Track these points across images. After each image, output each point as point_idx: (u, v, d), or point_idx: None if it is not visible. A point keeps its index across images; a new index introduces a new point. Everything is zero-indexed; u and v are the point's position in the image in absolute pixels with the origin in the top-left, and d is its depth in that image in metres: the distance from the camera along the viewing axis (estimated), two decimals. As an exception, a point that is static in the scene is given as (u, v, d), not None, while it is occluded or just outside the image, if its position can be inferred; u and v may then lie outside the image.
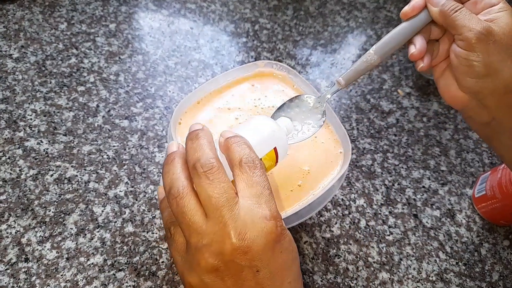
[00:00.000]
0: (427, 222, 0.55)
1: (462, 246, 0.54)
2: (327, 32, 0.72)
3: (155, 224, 0.51)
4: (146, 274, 0.48)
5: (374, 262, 0.52)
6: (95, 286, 0.47)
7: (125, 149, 0.56)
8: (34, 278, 0.46)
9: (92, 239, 0.49)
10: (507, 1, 0.36)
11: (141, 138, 0.57)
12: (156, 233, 0.50)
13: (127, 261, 0.48)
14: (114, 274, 0.48)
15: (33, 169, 0.53)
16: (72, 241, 0.49)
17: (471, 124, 0.41)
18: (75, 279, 0.47)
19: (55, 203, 0.51)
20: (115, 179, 0.54)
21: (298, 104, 0.44)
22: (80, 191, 0.52)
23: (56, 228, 0.50)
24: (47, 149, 0.55)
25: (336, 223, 0.54)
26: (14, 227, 0.49)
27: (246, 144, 0.31)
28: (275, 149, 0.36)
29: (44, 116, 0.57)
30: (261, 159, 0.34)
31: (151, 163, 0.55)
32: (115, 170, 0.54)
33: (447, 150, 0.62)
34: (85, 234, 0.50)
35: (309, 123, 0.43)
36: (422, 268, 0.52)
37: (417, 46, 0.38)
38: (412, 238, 0.54)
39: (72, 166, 0.54)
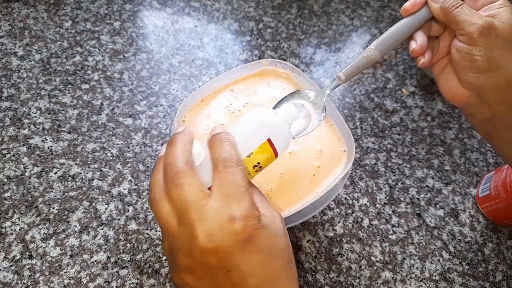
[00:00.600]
0: (430, 221, 0.55)
1: (465, 246, 0.54)
2: (331, 30, 0.72)
3: (159, 222, 0.51)
4: (149, 271, 0.48)
5: (377, 261, 0.52)
6: (98, 283, 0.47)
7: (129, 147, 0.56)
8: (38, 275, 0.47)
9: (96, 236, 0.50)
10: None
11: (144, 136, 0.57)
12: (159, 231, 0.51)
13: (131, 259, 0.49)
14: (118, 272, 0.48)
15: (37, 166, 0.53)
16: (76, 239, 0.49)
17: (472, 121, 0.41)
18: (79, 276, 0.47)
19: (59, 200, 0.51)
20: (118, 177, 0.54)
21: (299, 98, 0.43)
22: (84, 188, 0.53)
23: (60, 226, 0.50)
24: (51, 146, 0.55)
25: (339, 222, 0.54)
26: (18, 224, 0.49)
27: (228, 141, 0.31)
28: (269, 140, 0.33)
29: (49, 113, 0.57)
30: (252, 153, 0.33)
31: (154, 161, 0.55)
32: (119, 168, 0.54)
33: (451, 150, 0.61)
34: (89, 232, 0.50)
35: (307, 120, 0.43)
36: (425, 268, 0.52)
37: (418, 41, 0.38)
38: (416, 238, 0.54)
39: (76, 164, 0.54)
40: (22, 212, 0.50)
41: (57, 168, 0.54)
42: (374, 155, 0.60)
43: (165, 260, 0.49)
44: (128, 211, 0.52)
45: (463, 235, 0.55)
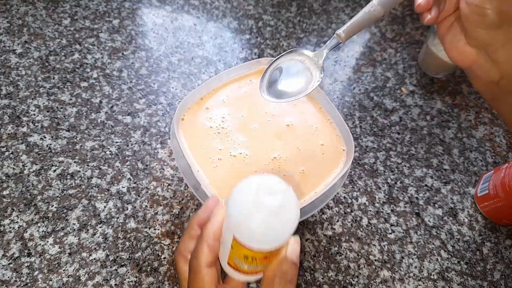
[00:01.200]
0: (429, 220, 0.55)
1: (464, 245, 0.54)
2: (331, 29, 0.72)
3: (157, 220, 0.51)
4: (148, 270, 0.48)
5: (375, 260, 0.52)
6: (97, 281, 0.47)
7: (127, 145, 0.56)
8: (36, 272, 0.47)
9: (95, 234, 0.50)
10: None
11: (143, 135, 0.57)
12: (158, 229, 0.51)
13: (129, 257, 0.49)
14: (116, 270, 0.48)
15: (36, 164, 0.53)
16: (75, 237, 0.49)
17: (477, 84, 0.38)
18: (77, 274, 0.47)
19: (58, 198, 0.51)
20: (117, 175, 0.54)
21: (297, 56, 0.42)
22: (83, 186, 0.52)
23: (58, 223, 0.50)
24: (50, 144, 0.55)
25: (338, 221, 0.54)
26: (17, 222, 0.49)
27: (207, 247, 0.32)
28: (234, 237, 0.29)
29: (47, 111, 0.57)
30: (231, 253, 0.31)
31: (153, 160, 0.55)
32: (117, 166, 0.54)
33: (450, 149, 0.61)
34: (88, 230, 0.50)
35: (307, 80, 0.42)
36: (423, 267, 0.52)
37: None
38: (414, 237, 0.54)
39: (75, 162, 0.54)
40: (20, 210, 0.50)
41: (56, 166, 0.53)
42: (373, 154, 0.60)
43: (164, 258, 0.49)
44: (127, 209, 0.52)
45: (461, 235, 0.55)
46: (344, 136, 0.49)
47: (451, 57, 0.37)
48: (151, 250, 0.49)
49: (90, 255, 0.48)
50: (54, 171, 0.53)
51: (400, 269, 0.52)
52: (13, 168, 0.53)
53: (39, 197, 0.51)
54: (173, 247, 0.50)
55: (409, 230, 0.54)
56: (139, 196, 0.53)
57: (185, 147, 0.46)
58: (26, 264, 0.47)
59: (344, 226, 0.54)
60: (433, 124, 0.63)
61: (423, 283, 0.51)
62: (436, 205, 0.57)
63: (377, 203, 0.56)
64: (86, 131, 0.56)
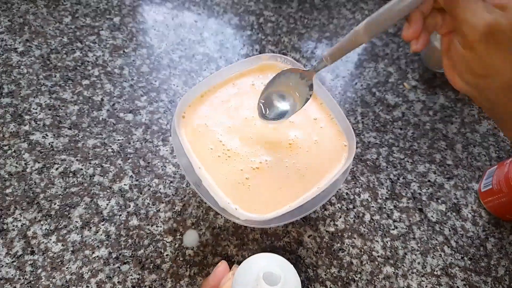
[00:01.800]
0: (432, 216, 0.55)
1: (467, 241, 0.54)
2: (332, 24, 0.71)
3: (160, 217, 0.51)
4: (151, 267, 0.48)
5: (378, 256, 0.52)
6: (100, 279, 0.47)
7: (129, 143, 0.56)
8: (40, 270, 0.47)
9: (97, 232, 0.50)
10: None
11: (145, 132, 0.57)
12: (161, 227, 0.51)
13: (132, 254, 0.49)
14: (119, 267, 0.48)
15: (38, 162, 0.53)
16: (77, 234, 0.49)
17: (475, 102, 0.38)
18: (80, 271, 0.47)
19: (60, 196, 0.51)
20: (119, 172, 0.54)
21: (286, 78, 0.44)
22: (85, 184, 0.53)
23: (61, 221, 0.50)
24: (52, 142, 0.55)
25: (340, 217, 0.54)
26: (20, 220, 0.50)
27: None
28: None
29: (49, 109, 0.57)
30: None
31: (155, 157, 0.55)
32: (119, 164, 0.54)
33: (453, 144, 0.61)
34: (90, 227, 0.50)
35: (298, 97, 0.45)
36: (427, 263, 0.52)
37: (412, 26, 0.33)
38: (417, 233, 0.54)
39: (77, 160, 0.54)
40: (23, 208, 0.50)
41: (58, 164, 0.54)
42: (376, 150, 0.59)
43: (166, 255, 0.49)
44: (129, 207, 0.52)
45: (465, 230, 0.55)
46: (346, 131, 0.48)
47: (447, 77, 0.36)
48: (153, 247, 0.49)
49: (93, 252, 0.49)
50: (57, 169, 0.53)
51: (403, 265, 0.51)
52: (16, 167, 0.53)
53: (41, 195, 0.51)
54: (175, 244, 0.50)
55: (412, 226, 0.54)
56: (141, 193, 0.53)
57: (186, 144, 0.46)
58: (29, 262, 0.47)
59: (347, 222, 0.53)
60: (436, 119, 0.63)
61: (427, 279, 0.51)
62: (439, 201, 0.56)
63: (380, 199, 0.56)
64: (88, 129, 0.56)
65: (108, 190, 0.52)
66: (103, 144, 0.56)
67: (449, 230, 0.54)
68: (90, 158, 0.54)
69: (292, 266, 0.35)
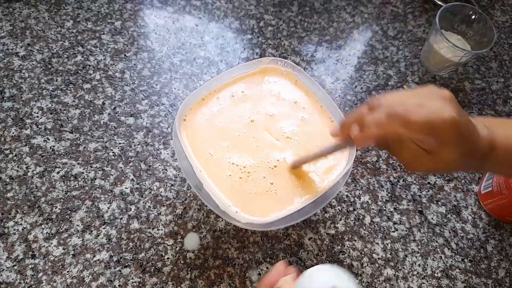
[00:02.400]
0: (432, 218, 0.55)
1: (467, 243, 0.54)
2: (332, 28, 0.72)
3: (161, 220, 0.51)
4: (152, 270, 0.48)
5: (378, 258, 0.52)
6: (101, 282, 0.47)
7: (130, 146, 0.56)
8: (40, 274, 0.47)
9: (98, 235, 0.50)
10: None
11: (146, 135, 0.57)
12: (162, 230, 0.51)
13: (133, 258, 0.49)
14: (120, 270, 0.48)
15: (39, 166, 0.54)
16: (78, 238, 0.49)
17: None
18: (81, 275, 0.47)
19: (62, 200, 0.52)
20: (121, 176, 0.54)
21: None
22: (86, 188, 0.53)
23: (62, 225, 0.50)
24: (54, 146, 0.55)
25: (340, 220, 0.54)
26: (21, 224, 0.50)
27: None
28: None
29: (51, 113, 0.58)
30: None
31: (156, 160, 0.55)
32: (121, 167, 0.55)
33: (453, 147, 0.61)
34: (91, 231, 0.50)
35: None
36: (427, 265, 0.52)
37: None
38: (417, 235, 0.54)
39: (78, 163, 0.54)
40: (24, 212, 0.50)
41: (59, 167, 0.54)
42: (376, 153, 0.59)
43: (167, 258, 0.49)
44: (131, 210, 0.52)
45: (465, 232, 0.55)
46: (346, 134, 0.48)
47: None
48: (154, 250, 0.50)
49: (94, 256, 0.49)
50: (58, 172, 0.53)
51: (403, 267, 0.51)
52: (17, 170, 0.53)
53: (43, 199, 0.51)
54: (176, 247, 0.50)
55: (412, 228, 0.54)
56: (142, 196, 0.53)
57: (187, 147, 0.46)
58: (30, 266, 0.47)
59: (347, 224, 0.54)
60: (435, 122, 0.63)
61: (427, 281, 0.51)
62: (440, 203, 0.56)
63: (380, 201, 0.56)
64: (89, 133, 0.57)
65: (109, 194, 0.53)
66: (104, 148, 0.56)
67: (449, 232, 0.54)
68: (92, 161, 0.55)
69: (356, 282, 0.35)
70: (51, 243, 0.49)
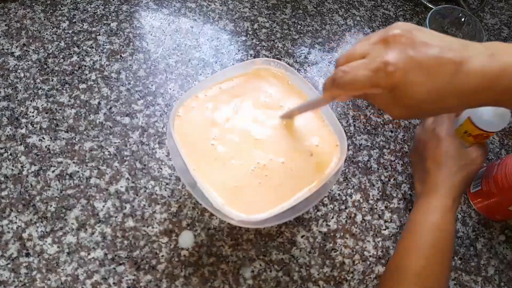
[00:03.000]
0: (423, 217, 0.56)
1: (457, 241, 0.55)
2: (325, 30, 0.73)
3: (155, 219, 0.52)
4: (146, 268, 0.49)
5: (370, 256, 0.53)
6: (95, 280, 0.48)
7: (126, 146, 0.57)
8: (35, 272, 0.47)
9: (93, 233, 0.50)
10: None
11: (142, 135, 0.58)
12: (156, 228, 0.51)
13: (128, 255, 0.49)
14: (115, 268, 0.48)
15: (34, 165, 0.54)
16: (73, 236, 0.50)
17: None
18: (76, 273, 0.48)
19: (57, 198, 0.52)
20: (116, 175, 0.54)
21: None
22: (82, 186, 0.53)
23: (57, 223, 0.50)
24: (49, 145, 0.56)
25: (332, 218, 0.55)
26: (16, 222, 0.50)
27: None
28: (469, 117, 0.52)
29: (46, 113, 0.58)
30: (461, 125, 0.54)
31: (151, 159, 0.56)
32: (116, 166, 0.55)
33: (443, 147, 0.62)
34: (86, 229, 0.50)
35: None
36: (418, 262, 0.53)
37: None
38: (409, 233, 0.55)
39: (73, 162, 0.55)
40: (19, 210, 0.51)
41: (54, 166, 0.54)
42: (367, 152, 0.60)
43: (162, 256, 0.50)
44: (125, 209, 0.52)
45: (455, 231, 0.56)
46: (338, 133, 0.49)
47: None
48: (149, 248, 0.50)
49: (89, 254, 0.49)
50: (53, 171, 0.54)
51: (394, 265, 0.52)
52: (12, 169, 0.53)
53: (37, 198, 0.52)
54: (171, 245, 0.50)
55: (403, 226, 0.55)
56: (137, 195, 0.53)
57: (181, 146, 0.46)
58: (24, 264, 0.48)
59: (339, 222, 0.54)
60: (426, 123, 0.64)
61: (418, 278, 0.52)
62: (430, 202, 0.57)
63: (371, 200, 0.57)
64: (84, 132, 0.57)
65: (104, 192, 0.53)
66: (100, 147, 0.56)
67: (440, 231, 0.55)
68: (87, 160, 0.55)
69: None
70: (46, 241, 0.49)
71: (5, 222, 0.50)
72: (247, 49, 0.68)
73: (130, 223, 0.51)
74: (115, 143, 0.57)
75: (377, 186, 0.58)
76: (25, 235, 0.49)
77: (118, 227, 0.51)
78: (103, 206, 0.52)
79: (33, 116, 0.58)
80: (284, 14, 0.74)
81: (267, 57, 0.68)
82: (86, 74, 0.62)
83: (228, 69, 0.52)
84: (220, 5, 0.73)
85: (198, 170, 0.46)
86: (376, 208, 0.56)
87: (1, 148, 0.55)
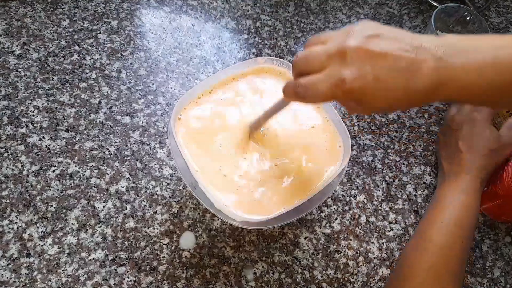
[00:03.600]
0: (428, 218, 0.55)
1: (463, 242, 0.54)
2: (328, 28, 0.72)
3: (156, 219, 0.51)
4: (147, 269, 0.48)
5: (374, 257, 0.52)
6: (96, 281, 0.47)
7: (126, 145, 0.56)
8: (35, 273, 0.47)
9: (94, 234, 0.50)
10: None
11: (142, 134, 0.57)
12: (157, 229, 0.51)
13: (128, 256, 0.49)
14: (115, 269, 0.48)
15: (35, 165, 0.53)
16: (74, 237, 0.49)
17: None
18: (76, 274, 0.47)
19: (57, 198, 0.51)
20: (116, 175, 0.54)
21: None
22: (82, 186, 0.53)
23: (57, 224, 0.50)
24: (49, 145, 0.55)
25: (336, 219, 0.54)
26: (16, 222, 0.50)
27: None
28: None
29: (46, 112, 0.58)
30: None
31: (152, 159, 0.55)
32: (116, 166, 0.55)
33: (448, 147, 0.61)
34: (87, 230, 0.50)
35: None
36: (422, 264, 0.52)
37: None
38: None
39: (74, 162, 0.54)
40: (19, 210, 0.50)
41: (55, 166, 0.54)
42: (371, 152, 0.60)
43: (163, 257, 0.49)
44: (126, 209, 0.52)
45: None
46: (342, 134, 0.49)
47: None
48: (150, 249, 0.49)
49: (89, 255, 0.49)
50: (53, 171, 0.53)
51: (399, 267, 0.51)
52: (12, 169, 0.53)
53: (38, 198, 0.51)
54: (172, 246, 0.50)
55: (408, 227, 0.54)
56: (138, 195, 0.53)
57: (182, 145, 0.46)
58: (25, 265, 0.47)
59: (343, 224, 0.54)
60: (431, 122, 0.64)
61: (422, 280, 0.51)
62: (435, 203, 0.57)
63: (376, 200, 0.56)
64: (85, 132, 0.57)
65: (105, 192, 0.53)
66: (100, 147, 0.56)
67: (445, 232, 0.55)
68: (87, 160, 0.55)
69: None
70: (46, 242, 0.49)
71: (5, 222, 0.49)
72: (249, 47, 0.68)
73: (130, 223, 0.51)
74: (115, 142, 0.56)
75: (381, 187, 0.57)
76: (25, 236, 0.49)
77: (118, 228, 0.50)
78: (104, 207, 0.52)
79: (33, 115, 0.57)
80: (287, 12, 0.73)
81: (270, 55, 0.67)
82: (87, 73, 0.62)
83: (229, 67, 0.51)
84: (222, 3, 0.72)
85: (199, 171, 0.45)
86: (380, 209, 0.55)
87: (2, 148, 0.54)
